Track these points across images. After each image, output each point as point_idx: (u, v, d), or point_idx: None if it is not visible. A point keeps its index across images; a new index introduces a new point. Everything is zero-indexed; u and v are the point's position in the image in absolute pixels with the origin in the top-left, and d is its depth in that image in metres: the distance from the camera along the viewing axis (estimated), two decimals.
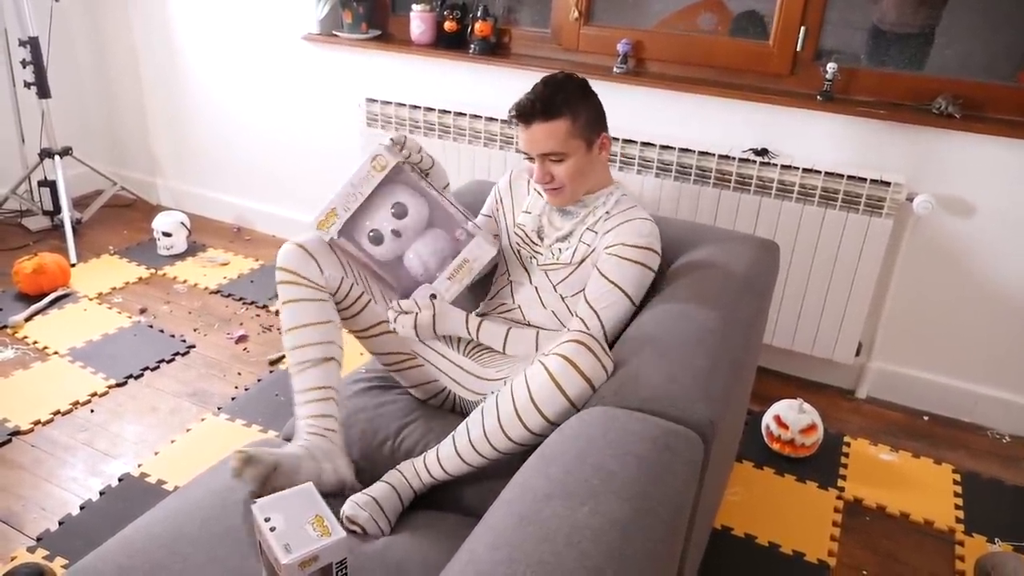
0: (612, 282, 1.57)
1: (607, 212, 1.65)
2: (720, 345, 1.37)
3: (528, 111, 1.55)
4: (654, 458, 1.06)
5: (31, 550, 1.80)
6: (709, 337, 1.37)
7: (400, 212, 1.58)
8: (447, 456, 1.40)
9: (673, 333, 1.37)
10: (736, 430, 1.87)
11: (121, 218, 3.67)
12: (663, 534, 0.98)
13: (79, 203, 3.68)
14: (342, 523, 1.33)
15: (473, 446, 1.36)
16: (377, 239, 1.61)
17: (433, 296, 1.63)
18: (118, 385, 2.42)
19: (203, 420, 2.28)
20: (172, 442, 2.18)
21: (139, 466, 2.08)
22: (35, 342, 2.62)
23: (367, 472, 1.56)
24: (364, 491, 1.39)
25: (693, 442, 1.13)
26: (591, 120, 1.59)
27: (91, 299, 2.92)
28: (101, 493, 1.98)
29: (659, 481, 1.02)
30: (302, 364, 1.48)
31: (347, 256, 1.59)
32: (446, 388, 1.66)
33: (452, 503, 1.47)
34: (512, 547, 0.89)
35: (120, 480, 2.03)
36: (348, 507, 1.34)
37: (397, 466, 1.47)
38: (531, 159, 1.61)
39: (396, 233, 1.60)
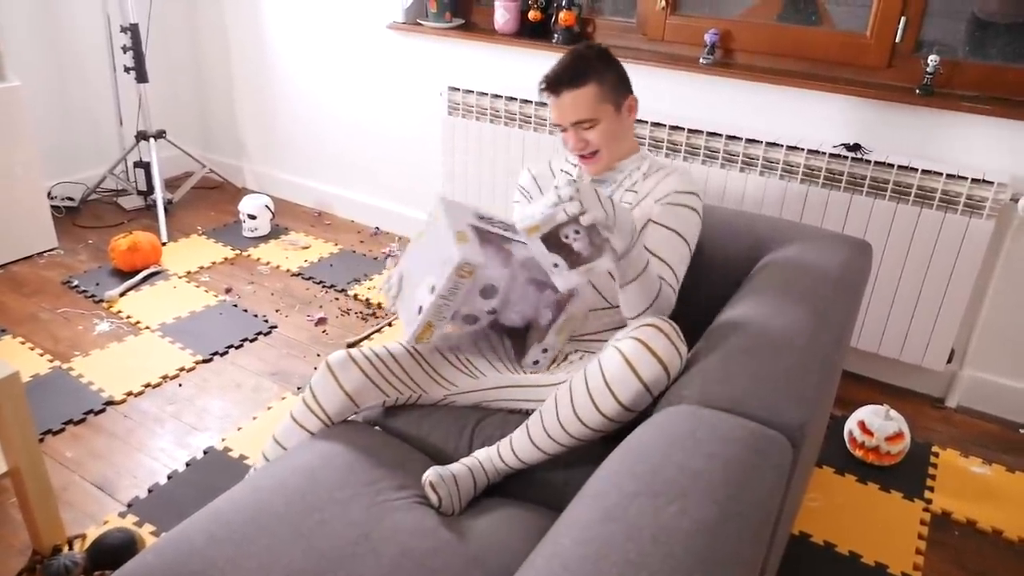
0: (672, 229, 1.60)
1: (643, 174, 1.69)
2: (811, 345, 1.32)
3: (556, 80, 1.60)
4: (742, 460, 1.03)
5: (122, 515, 1.89)
6: (799, 337, 1.33)
7: (490, 293, 1.56)
8: (521, 443, 1.40)
9: (762, 331, 1.34)
10: (820, 433, 1.81)
11: (208, 200, 3.80)
12: (750, 539, 0.95)
13: (170, 184, 3.83)
14: (422, 489, 1.39)
15: (547, 431, 1.36)
16: (472, 320, 1.61)
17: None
18: (204, 361, 2.51)
19: (283, 399, 2.34)
20: (254, 419, 2.25)
21: (223, 440, 2.15)
22: (128, 316, 2.74)
23: (445, 458, 1.57)
24: (446, 466, 1.41)
25: (782, 445, 1.10)
26: (616, 83, 1.64)
27: (180, 277, 3.04)
28: (187, 464, 2.06)
29: (747, 484, 1.00)
30: None
31: (391, 374, 1.58)
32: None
33: (529, 494, 1.47)
34: (599, 543, 0.88)
35: (205, 453, 2.10)
36: (431, 474, 1.36)
37: (474, 452, 1.48)
38: (564, 131, 1.65)
39: (492, 312, 1.59)
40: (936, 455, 2.20)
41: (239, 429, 2.20)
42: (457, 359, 1.63)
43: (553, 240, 1.38)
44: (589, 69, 1.59)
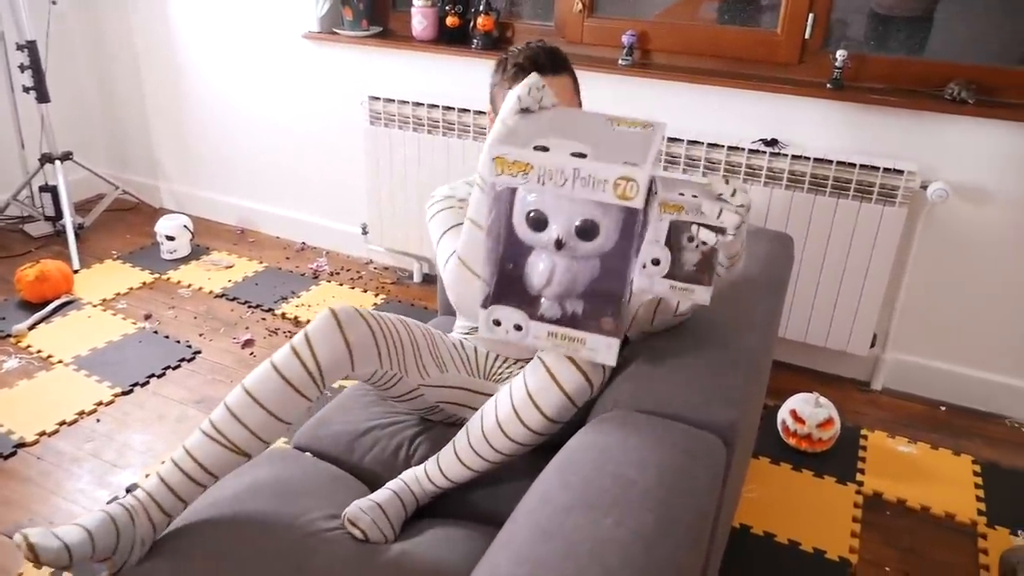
0: None
1: None
2: (737, 342, 1.33)
3: (536, 65, 1.48)
4: (676, 464, 1.03)
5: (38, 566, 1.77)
6: (726, 334, 1.34)
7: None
8: (447, 461, 1.37)
9: (688, 331, 1.34)
10: (753, 426, 1.84)
11: (124, 222, 3.65)
12: (688, 543, 0.95)
13: (81, 208, 3.66)
14: (343, 526, 1.30)
15: (473, 448, 1.33)
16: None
17: None
18: (124, 393, 2.40)
19: None
20: None
21: (147, 476, 2.05)
22: (39, 351, 2.60)
23: (380, 480, 1.53)
24: (368, 496, 1.36)
25: (714, 446, 1.10)
26: (578, 84, 1.59)
27: (95, 306, 2.90)
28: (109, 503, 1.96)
29: (681, 489, 0.99)
30: (221, 438, 1.29)
31: (388, 338, 1.41)
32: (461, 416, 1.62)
33: (467, 511, 1.44)
34: (535, 562, 0.86)
35: (128, 491, 2.00)
36: (352, 510, 1.31)
37: (401, 473, 1.44)
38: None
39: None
40: (865, 438, 2.26)
41: (163, 463, 2.10)
42: (435, 346, 1.56)
43: (671, 233, 1.17)
44: (566, 61, 1.54)
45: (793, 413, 2.16)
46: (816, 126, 2.35)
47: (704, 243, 1.16)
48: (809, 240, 2.35)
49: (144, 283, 3.09)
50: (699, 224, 1.14)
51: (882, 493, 2.04)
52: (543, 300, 1.13)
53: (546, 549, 0.88)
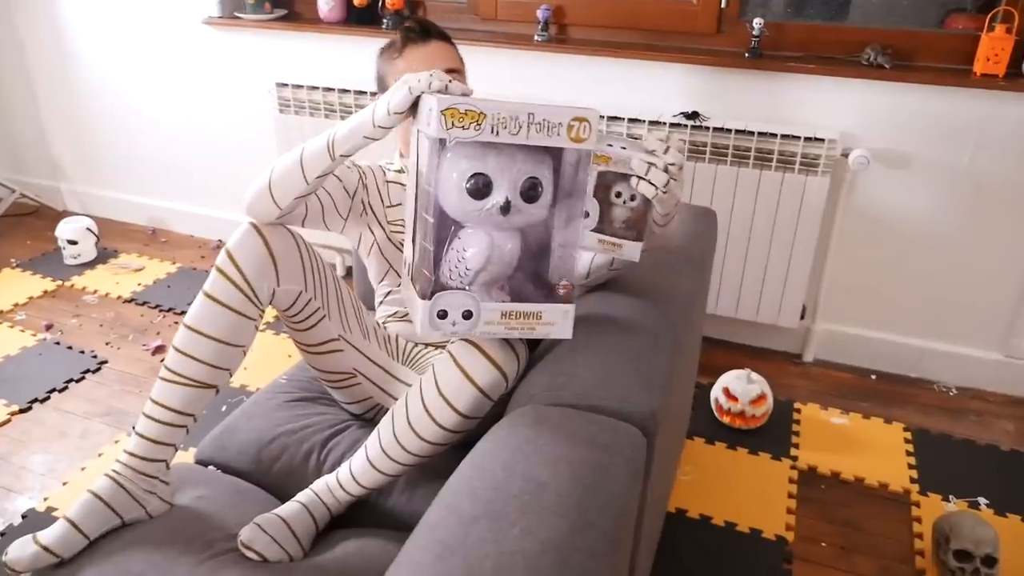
0: None
1: None
2: (658, 324, 1.26)
3: (425, 29, 1.50)
4: (591, 461, 0.95)
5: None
6: (646, 318, 1.27)
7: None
8: (360, 467, 1.28)
9: (607, 316, 1.27)
10: (684, 408, 1.79)
11: (23, 227, 3.42)
12: (605, 547, 0.87)
13: None
14: (238, 548, 1.19)
15: (385, 451, 1.24)
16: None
17: None
18: (22, 411, 2.22)
19: (117, 442, 2.10)
20: (82, 470, 2.00)
21: (45, 500, 1.90)
22: None
23: (290, 491, 1.42)
24: (273, 511, 1.25)
25: (633, 438, 1.03)
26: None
27: None
28: (2, 534, 1.80)
29: (596, 488, 0.92)
30: (180, 378, 1.26)
31: (313, 262, 1.33)
32: (381, 405, 1.53)
33: (383, 518, 1.35)
34: None
35: (24, 517, 1.85)
36: (246, 531, 1.20)
37: (311, 484, 1.34)
38: None
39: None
40: (799, 411, 2.24)
41: (64, 484, 1.95)
42: (359, 312, 1.46)
43: (599, 188, 1.17)
44: (444, 31, 1.54)
45: (726, 391, 2.12)
46: (737, 96, 2.30)
47: (633, 199, 1.17)
48: (735, 214, 2.31)
49: (45, 291, 2.88)
50: (632, 177, 1.15)
51: (816, 467, 2.02)
52: (481, 283, 1.05)
53: (446, 567, 0.80)
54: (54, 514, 1.85)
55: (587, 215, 1.17)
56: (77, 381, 2.36)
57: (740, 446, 2.08)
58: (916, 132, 2.17)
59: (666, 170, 1.15)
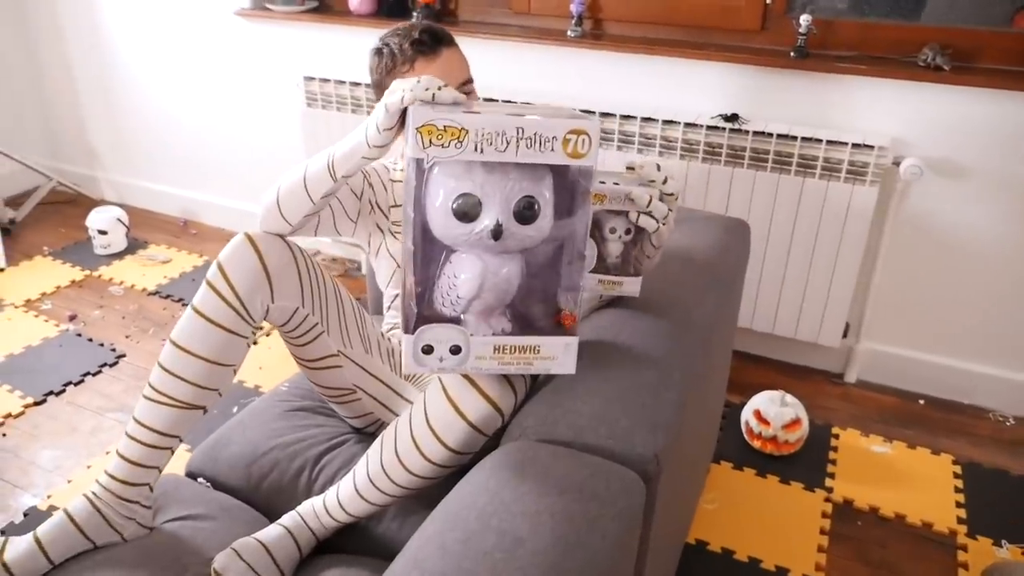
0: None
1: None
2: (672, 354, 1.15)
3: (435, 38, 1.38)
4: (576, 514, 0.85)
5: None
6: (658, 345, 1.15)
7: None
8: (347, 494, 1.19)
9: (614, 343, 1.15)
10: (710, 431, 1.66)
11: (60, 215, 3.43)
12: None
13: (15, 202, 3.44)
14: None
15: (372, 481, 1.15)
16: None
17: None
18: (36, 404, 2.21)
19: None
20: (88, 468, 1.97)
21: (48, 498, 1.87)
22: None
23: (279, 509, 1.35)
24: (254, 535, 1.18)
25: (630, 485, 0.92)
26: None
27: (17, 307, 2.70)
28: (2, 532, 1.77)
29: (578, 546, 0.81)
30: (165, 398, 1.18)
31: (312, 275, 1.25)
32: (382, 421, 1.45)
33: (371, 545, 1.27)
34: None
35: (25, 515, 1.82)
36: (221, 557, 1.12)
37: (298, 506, 1.26)
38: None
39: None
40: (836, 437, 2.09)
41: (69, 482, 1.92)
42: (363, 324, 1.38)
43: (594, 224, 1.11)
44: (449, 33, 1.43)
45: (757, 413, 1.99)
46: (780, 98, 2.16)
47: (628, 232, 1.14)
48: (774, 223, 2.17)
49: (73, 281, 2.88)
50: (628, 212, 1.11)
51: (853, 500, 1.87)
52: (473, 313, 0.96)
53: None
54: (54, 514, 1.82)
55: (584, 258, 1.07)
56: (94, 375, 2.34)
57: (771, 473, 1.95)
58: (976, 140, 1.99)
59: (661, 199, 1.14)
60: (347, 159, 1.08)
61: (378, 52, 1.41)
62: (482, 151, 0.86)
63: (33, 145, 3.63)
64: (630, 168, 1.18)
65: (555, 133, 0.87)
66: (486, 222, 0.89)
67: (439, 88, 0.96)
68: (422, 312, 0.94)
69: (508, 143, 0.86)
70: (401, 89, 0.97)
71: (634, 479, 0.93)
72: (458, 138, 0.85)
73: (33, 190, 3.52)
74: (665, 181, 1.14)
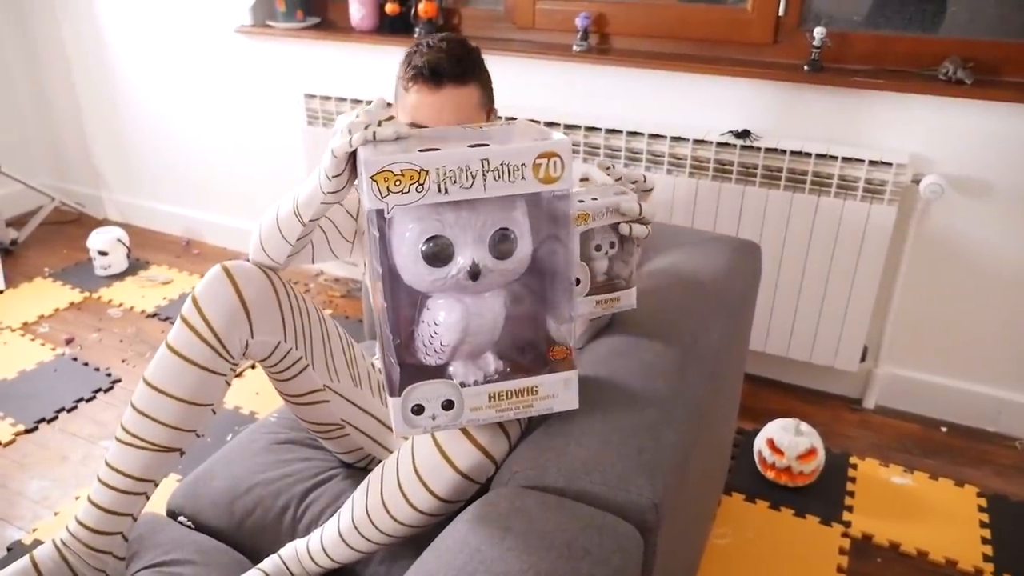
0: None
1: None
2: (674, 390, 1.07)
3: (438, 70, 1.21)
4: (564, 574, 0.77)
5: None
6: (659, 381, 1.07)
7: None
8: (331, 539, 1.12)
9: (613, 378, 1.08)
10: (720, 461, 1.57)
11: (63, 236, 3.40)
12: None
13: (17, 222, 3.41)
14: None
15: (356, 527, 1.08)
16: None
17: None
18: (27, 431, 2.15)
19: None
20: (76, 498, 1.90)
21: (33, 531, 1.80)
22: None
23: (263, 551, 1.28)
24: None
25: (624, 539, 0.84)
26: (491, 90, 1.32)
27: (14, 330, 2.65)
28: None
29: None
30: (139, 441, 1.13)
31: (295, 306, 1.19)
32: (374, 456, 1.38)
33: None
34: None
35: (9, 550, 1.75)
36: None
37: (281, 549, 1.19)
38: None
39: None
40: (854, 467, 1.99)
41: (56, 515, 1.86)
42: (352, 357, 1.32)
43: (581, 245, 1.05)
44: (475, 66, 1.27)
45: (771, 443, 1.89)
46: (794, 114, 2.08)
47: (612, 246, 1.08)
48: (788, 243, 2.08)
49: (72, 303, 2.84)
50: (618, 223, 1.06)
51: (872, 536, 1.77)
52: (460, 359, 0.88)
53: None
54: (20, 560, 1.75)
55: (578, 282, 1.00)
56: (87, 401, 2.28)
57: (785, 506, 1.85)
58: (1000, 157, 1.90)
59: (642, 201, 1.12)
60: (308, 206, 1.03)
61: (402, 61, 1.28)
62: (446, 191, 0.78)
63: (38, 165, 3.62)
64: (584, 180, 1.14)
65: (523, 160, 0.79)
66: (460, 262, 0.81)
67: (379, 124, 0.88)
68: (405, 363, 0.86)
69: (474, 178, 0.78)
70: (341, 131, 0.89)
71: (630, 532, 0.85)
72: (418, 180, 0.77)
73: (36, 210, 3.49)
74: (644, 180, 1.15)
